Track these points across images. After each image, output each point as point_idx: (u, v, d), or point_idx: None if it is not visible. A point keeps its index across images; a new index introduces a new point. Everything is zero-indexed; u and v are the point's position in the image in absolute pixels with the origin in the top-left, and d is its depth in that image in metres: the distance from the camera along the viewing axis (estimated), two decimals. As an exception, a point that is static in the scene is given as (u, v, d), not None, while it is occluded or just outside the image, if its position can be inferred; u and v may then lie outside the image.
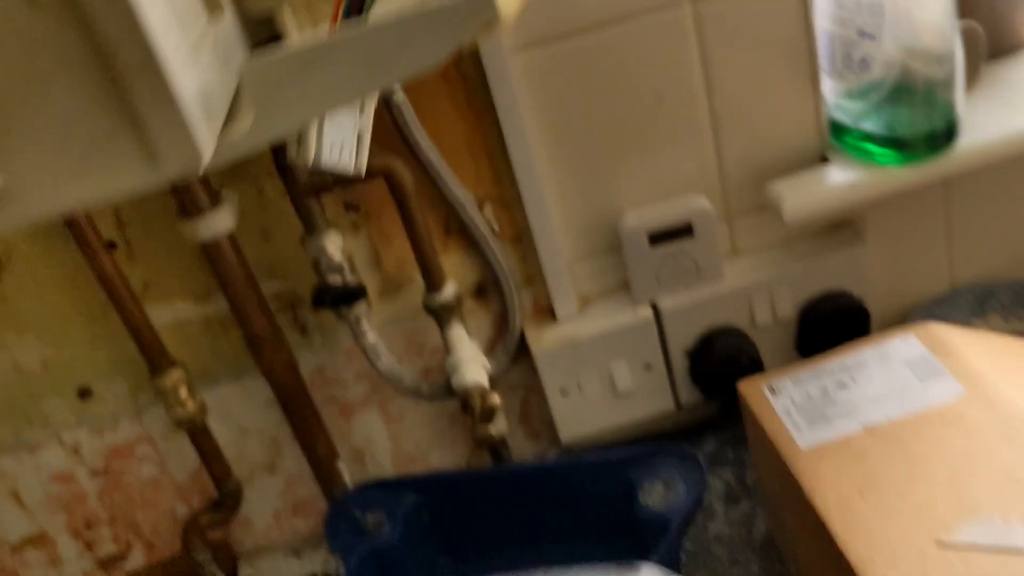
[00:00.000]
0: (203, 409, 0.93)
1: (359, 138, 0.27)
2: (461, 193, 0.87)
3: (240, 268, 0.87)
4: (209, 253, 0.85)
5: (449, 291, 0.90)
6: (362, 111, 0.28)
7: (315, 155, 0.26)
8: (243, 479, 1.01)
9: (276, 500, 1.06)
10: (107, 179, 0.21)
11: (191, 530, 1.01)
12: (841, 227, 0.97)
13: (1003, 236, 1.01)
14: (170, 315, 0.93)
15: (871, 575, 0.64)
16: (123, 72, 0.20)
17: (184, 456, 1.01)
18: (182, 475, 1.02)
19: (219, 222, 0.82)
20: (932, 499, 0.68)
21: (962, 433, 0.72)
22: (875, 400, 0.78)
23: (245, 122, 0.23)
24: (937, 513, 0.67)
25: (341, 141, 0.27)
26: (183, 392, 0.91)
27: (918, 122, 0.85)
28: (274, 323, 0.91)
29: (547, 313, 0.98)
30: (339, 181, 0.82)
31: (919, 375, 0.78)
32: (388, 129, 0.83)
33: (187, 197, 0.81)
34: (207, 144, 0.21)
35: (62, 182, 0.21)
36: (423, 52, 0.27)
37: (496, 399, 0.82)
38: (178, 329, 0.94)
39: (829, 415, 0.78)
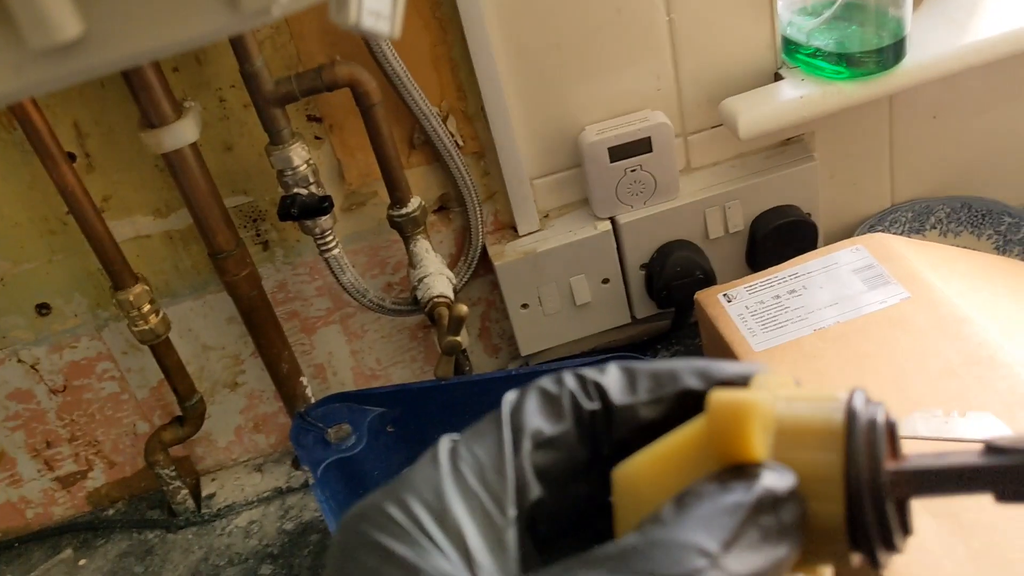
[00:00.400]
0: (166, 324, 0.93)
1: (394, 3, 0.28)
2: (425, 105, 0.88)
3: (203, 181, 0.87)
4: (172, 165, 0.84)
5: (414, 204, 0.91)
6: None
7: (356, 16, 0.27)
8: (205, 395, 1.02)
9: (238, 416, 1.07)
10: (187, 23, 0.22)
11: (153, 447, 1.01)
12: (791, 144, 1.00)
13: (942, 154, 1.06)
14: (131, 230, 0.93)
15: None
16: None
17: (145, 373, 1.01)
18: (143, 392, 1.03)
19: (183, 132, 0.82)
20: (880, 395, 0.72)
21: (907, 334, 0.76)
22: (825, 305, 0.82)
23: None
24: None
25: (379, 7, 0.28)
26: (146, 307, 0.91)
27: (868, 39, 0.88)
28: (237, 237, 0.92)
29: (508, 228, 0.99)
30: (305, 91, 0.82)
31: (866, 281, 0.82)
32: (353, 39, 0.83)
33: (150, 107, 0.80)
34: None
35: (143, 27, 0.22)
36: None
37: (464, 309, 0.84)
38: (139, 244, 0.93)
39: (781, 320, 0.82)
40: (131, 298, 0.90)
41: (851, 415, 0.26)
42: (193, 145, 0.84)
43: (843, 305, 0.81)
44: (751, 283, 0.86)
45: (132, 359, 1.00)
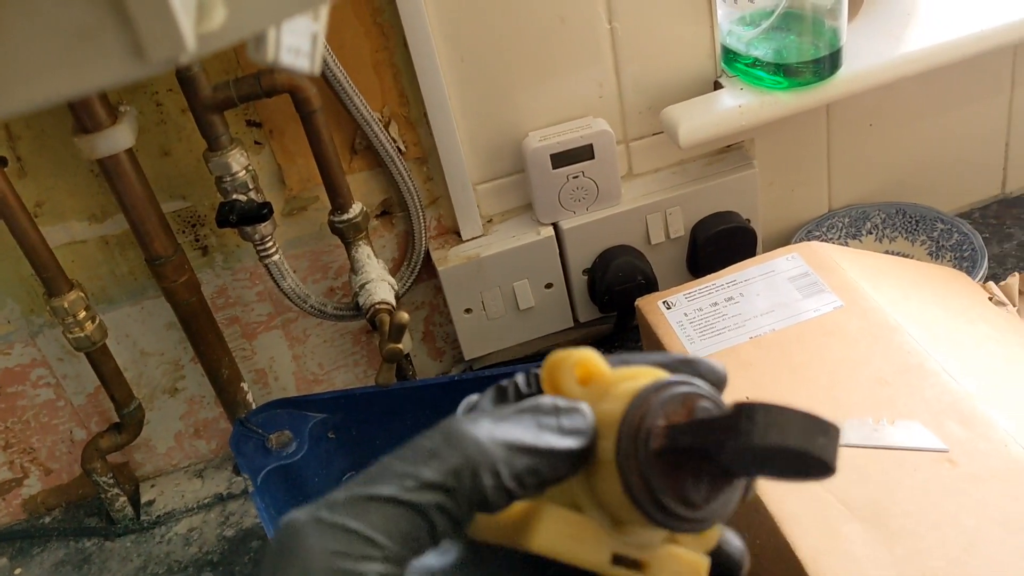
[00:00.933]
0: (102, 331, 0.92)
1: (314, 40, 0.28)
2: (367, 111, 0.87)
3: (140, 186, 0.85)
4: (107, 170, 0.83)
5: (355, 210, 0.90)
6: (316, 17, 0.29)
7: (275, 53, 0.27)
8: (144, 402, 1.01)
9: (178, 422, 1.06)
10: (92, 71, 0.21)
11: (90, 454, 1.00)
12: (731, 151, 1.01)
13: (878, 161, 1.08)
14: (65, 235, 0.91)
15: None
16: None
17: (82, 379, 0.99)
18: (80, 398, 1.01)
19: (118, 138, 0.80)
20: (812, 403, 0.74)
21: (840, 342, 0.78)
22: (761, 313, 0.83)
23: (218, 18, 0.24)
24: (817, 414, 0.72)
25: (298, 44, 0.28)
26: (81, 314, 0.89)
27: (805, 49, 0.90)
28: (175, 243, 0.90)
29: (452, 233, 0.99)
30: (244, 97, 0.81)
31: (801, 290, 0.84)
32: (293, 46, 0.82)
33: (84, 112, 0.79)
34: (190, 36, 0.22)
35: (46, 74, 0.21)
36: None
37: (405, 316, 0.84)
38: (73, 250, 0.92)
39: (719, 327, 0.83)
40: (66, 305, 0.88)
41: (650, 385, 0.29)
42: (129, 150, 0.83)
43: (779, 313, 0.82)
44: (690, 290, 0.87)
45: (68, 365, 0.99)
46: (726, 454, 0.28)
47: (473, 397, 0.32)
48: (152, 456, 1.07)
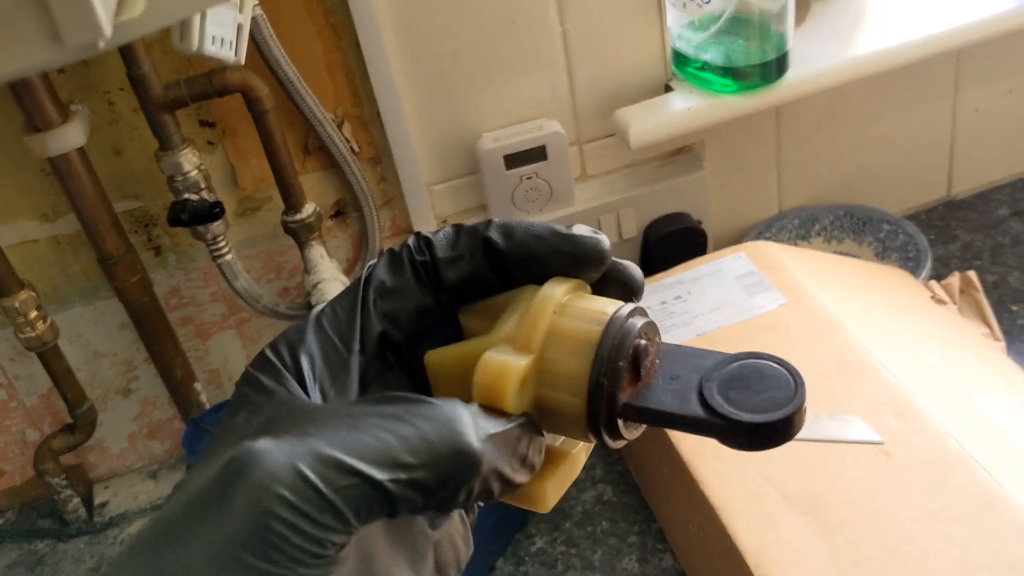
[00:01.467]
0: (54, 331, 0.92)
1: (239, 31, 0.29)
2: (320, 111, 0.88)
3: (91, 186, 0.85)
4: (58, 169, 0.83)
5: (308, 210, 0.91)
6: (241, 9, 0.29)
7: (199, 42, 0.27)
8: (97, 402, 1.00)
9: (131, 423, 1.05)
10: (8, 56, 0.22)
11: (43, 455, 0.99)
12: (682, 153, 1.03)
13: (826, 163, 1.10)
14: (16, 235, 0.90)
15: (698, 466, 0.71)
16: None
17: (34, 380, 0.99)
18: (32, 399, 1.00)
19: (69, 137, 0.80)
20: (757, 397, 0.75)
21: (783, 338, 0.80)
22: (708, 311, 0.85)
23: (138, 6, 0.24)
24: (761, 408, 0.74)
25: (222, 34, 0.28)
26: (32, 313, 0.89)
27: (753, 53, 0.91)
28: (127, 243, 0.90)
29: (407, 234, 1.00)
30: (195, 96, 0.81)
31: (747, 288, 0.85)
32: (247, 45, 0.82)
33: (34, 110, 0.79)
34: (107, 22, 0.23)
35: (-38, 56, 0.22)
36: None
37: (356, 314, 0.84)
38: (25, 249, 0.91)
39: (667, 325, 0.84)
40: (16, 304, 0.88)
41: (604, 337, 0.30)
42: (80, 149, 0.83)
43: (725, 311, 0.84)
44: (640, 289, 0.89)
45: (20, 366, 0.98)
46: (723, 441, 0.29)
47: (372, 261, 0.33)
48: (106, 457, 1.07)
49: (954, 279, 0.92)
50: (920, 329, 0.83)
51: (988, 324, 0.90)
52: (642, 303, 0.32)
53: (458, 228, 0.33)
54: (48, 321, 0.90)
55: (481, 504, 0.34)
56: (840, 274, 0.89)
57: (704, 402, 0.29)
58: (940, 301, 0.89)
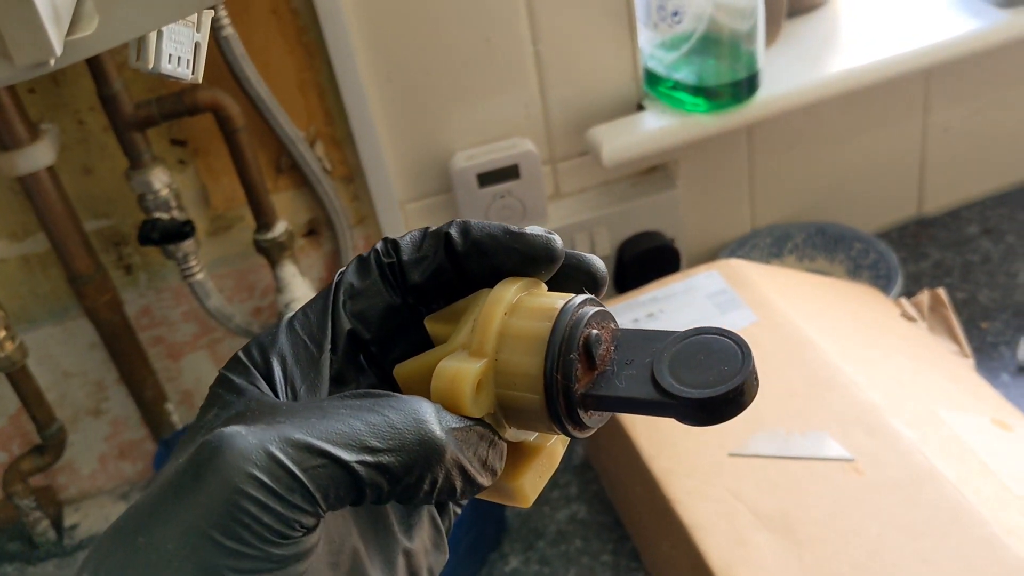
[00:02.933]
0: (23, 351, 0.91)
1: (196, 49, 0.29)
2: (292, 130, 0.88)
3: (61, 204, 0.85)
4: (28, 188, 0.82)
5: (280, 229, 0.90)
6: (199, 28, 0.29)
7: (155, 61, 0.27)
8: (67, 423, 0.99)
9: (102, 444, 1.04)
10: (-43, 73, 0.22)
11: (12, 477, 0.98)
12: (655, 172, 1.04)
13: (798, 182, 1.11)
14: (-16, 254, 0.90)
15: (670, 484, 0.71)
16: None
17: (3, 401, 0.98)
18: (1, 420, 0.99)
19: (38, 156, 0.80)
20: (729, 415, 0.76)
21: (754, 356, 0.80)
22: (681, 329, 0.85)
23: (91, 25, 0.24)
24: (730, 427, 0.74)
25: (179, 53, 0.28)
26: (1, 333, 0.88)
27: (723, 72, 0.92)
28: (98, 262, 0.90)
29: (378, 252, 1.00)
30: (166, 115, 0.81)
31: (719, 306, 0.86)
32: (217, 63, 0.82)
33: (4, 129, 0.78)
34: (57, 42, 0.23)
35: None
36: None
37: (328, 333, 0.84)
38: (-7, 269, 0.91)
39: (641, 343, 0.84)
40: (-16, 324, 0.87)
41: (554, 331, 0.30)
42: (50, 168, 0.82)
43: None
44: (612, 306, 0.89)
45: (-12, 387, 0.97)
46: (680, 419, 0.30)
47: (344, 267, 0.34)
48: (76, 479, 1.05)
49: (924, 296, 0.93)
50: (890, 346, 0.84)
51: (957, 341, 0.90)
52: (617, 320, 0.32)
53: (424, 231, 0.34)
54: (17, 341, 0.89)
55: (459, 510, 0.35)
56: (811, 292, 0.90)
57: (656, 384, 0.29)
58: (910, 318, 0.90)
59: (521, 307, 0.31)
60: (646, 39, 0.95)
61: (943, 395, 0.78)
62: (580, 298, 0.31)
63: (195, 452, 0.26)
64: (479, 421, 0.30)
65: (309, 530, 0.26)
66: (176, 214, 0.85)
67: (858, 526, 0.65)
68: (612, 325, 0.31)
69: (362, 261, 0.33)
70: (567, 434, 0.31)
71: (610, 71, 0.97)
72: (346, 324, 0.32)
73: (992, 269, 1.09)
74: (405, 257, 0.33)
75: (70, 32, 0.24)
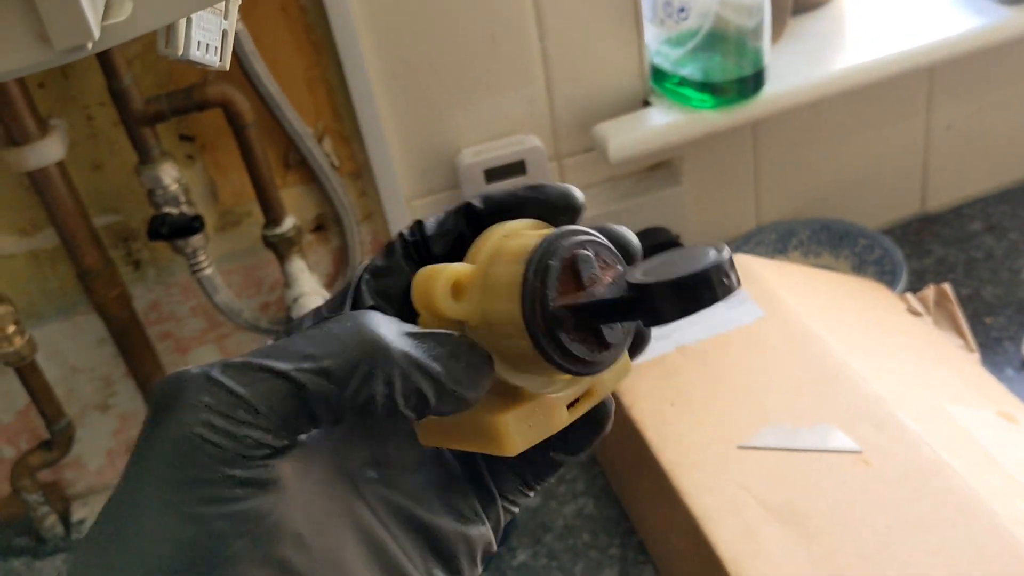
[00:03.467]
0: (32, 346, 0.91)
1: (224, 37, 0.30)
2: (300, 126, 0.88)
3: (70, 200, 0.85)
4: (37, 184, 0.83)
5: (288, 224, 0.91)
6: (226, 15, 0.30)
7: (184, 47, 0.28)
8: (75, 418, 1.00)
9: (110, 439, 1.05)
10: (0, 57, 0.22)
11: (20, 472, 0.98)
12: (661, 168, 1.04)
13: (803, 178, 1.11)
14: (-7, 249, 0.90)
15: (678, 476, 0.71)
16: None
17: (11, 396, 0.98)
18: (8, 415, 1.00)
19: (48, 151, 0.80)
20: (733, 409, 0.76)
21: (760, 351, 0.80)
22: (687, 324, 0.85)
23: (125, 11, 0.25)
24: (737, 421, 0.75)
25: (207, 40, 0.29)
26: (10, 328, 0.88)
27: (729, 68, 0.93)
28: (106, 257, 0.90)
29: (385, 248, 1.00)
30: (176, 110, 0.81)
31: (726, 301, 0.86)
32: (226, 60, 0.83)
33: (13, 124, 0.79)
34: (95, 24, 0.23)
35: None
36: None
37: (337, 328, 0.85)
38: (2, 264, 0.91)
39: (648, 338, 0.85)
40: (-7, 319, 0.87)
41: (527, 268, 0.29)
42: (59, 163, 0.83)
43: (703, 324, 0.84)
44: (620, 302, 0.89)
45: (-4, 382, 0.97)
46: (647, 322, 0.28)
47: (366, 262, 0.34)
48: (84, 474, 1.06)
49: (929, 292, 0.93)
50: (896, 341, 0.84)
51: (963, 336, 0.91)
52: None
53: (450, 210, 0.34)
54: (26, 336, 0.90)
55: (515, 509, 0.34)
56: (817, 287, 0.90)
57: (629, 284, 0.28)
58: (915, 313, 0.91)
59: (520, 232, 0.31)
60: (652, 35, 0.96)
61: (949, 389, 0.78)
62: (582, 228, 0.30)
63: (151, 395, 0.27)
64: (452, 329, 0.29)
65: (272, 451, 0.26)
66: (185, 209, 0.85)
67: (866, 518, 0.65)
68: (613, 262, 0.30)
69: (388, 245, 0.34)
70: (550, 360, 0.29)
71: (616, 67, 0.97)
72: (368, 300, 0.33)
73: (995, 266, 1.09)
74: (429, 232, 0.33)
75: (104, 17, 0.25)
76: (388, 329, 0.28)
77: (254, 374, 0.26)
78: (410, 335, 0.28)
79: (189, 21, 0.28)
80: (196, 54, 0.28)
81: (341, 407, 0.27)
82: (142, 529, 0.25)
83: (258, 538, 0.26)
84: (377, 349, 0.27)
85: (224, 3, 0.29)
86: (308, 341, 0.27)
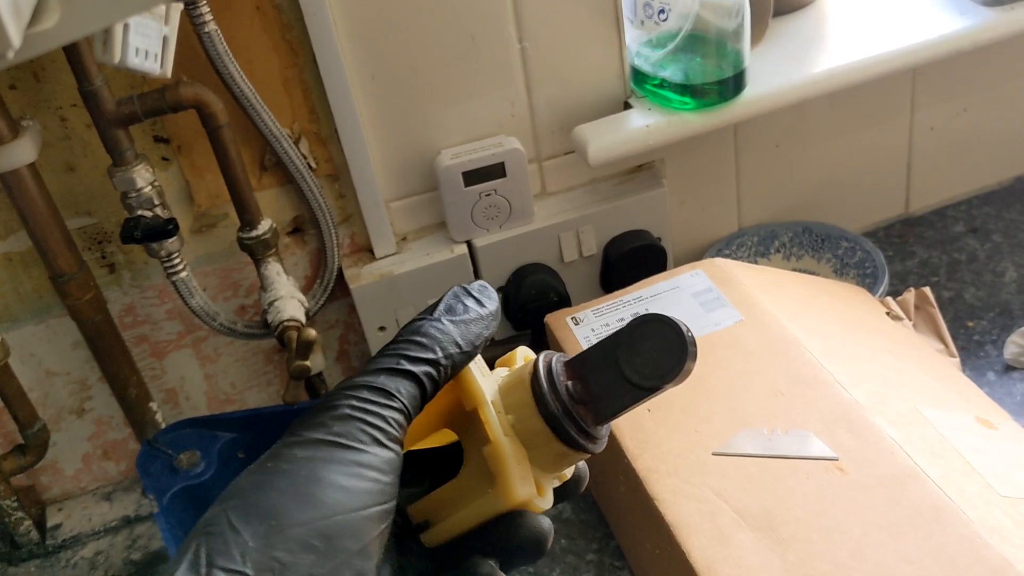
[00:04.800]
0: (5, 350, 0.90)
1: (165, 43, 0.29)
2: (276, 127, 0.87)
3: (43, 202, 0.84)
4: (9, 186, 0.82)
5: (264, 227, 0.90)
6: (167, 21, 0.29)
7: (121, 54, 0.27)
8: (49, 423, 0.99)
9: (85, 444, 1.04)
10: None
11: (-7, 476, 0.97)
12: (642, 171, 1.03)
13: (785, 181, 1.11)
14: (-35, 252, 0.89)
15: (653, 483, 0.70)
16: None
17: (-16, 399, 0.97)
18: (-18, 419, 0.99)
19: (19, 153, 0.79)
20: (710, 414, 0.75)
21: (738, 355, 0.80)
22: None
23: (53, 17, 0.24)
24: (714, 426, 0.74)
25: (147, 47, 0.28)
26: (-18, 332, 0.88)
27: (710, 70, 0.92)
28: (80, 260, 0.89)
29: (366, 251, 0.99)
30: (149, 112, 0.80)
31: (704, 304, 0.85)
32: (200, 60, 0.82)
33: (-18, 126, 0.78)
34: (16, 34, 0.22)
35: None
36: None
37: (312, 333, 0.84)
38: (-25, 267, 0.90)
39: (627, 342, 0.84)
40: (-35, 323, 0.86)
41: (533, 373, 0.38)
42: (31, 165, 0.82)
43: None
44: (598, 306, 0.89)
45: (-31, 386, 0.96)
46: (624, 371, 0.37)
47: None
48: (59, 479, 1.05)
49: (910, 295, 0.93)
50: (875, 345, 0.84)
51: (943, 340, 0.90)
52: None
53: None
54: (-2, 340, 0.89)
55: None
56: (796, 291, 0.90)
57: (631, 383, 0.37)
58: (896, 317, 0.90)
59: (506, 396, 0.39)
60: (632, 37, 0.95)
61: (928, 394, 0.78)
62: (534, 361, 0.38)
63: None
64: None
65: None
66: (159, 212, 0.84)
67: (841, 525, 0.64)
68: (564, 359, 0.39)
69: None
70: (585, 450, 0.38)
71: (596, 69, 0.96)
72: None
73: (978, 268, 1.09)
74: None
75: (31, 24, 0.24)
76: (433, 322, 0.37)
77: (386, 374, 0.35)
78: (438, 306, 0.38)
79: (126, 27, 0.27)
80: (134, 61, 0.27)
81: (440, 382, 0.37)
82: None
83: None
84: (441, 332, 0.37)
85: (165, 9, 0.28)
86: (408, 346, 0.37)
